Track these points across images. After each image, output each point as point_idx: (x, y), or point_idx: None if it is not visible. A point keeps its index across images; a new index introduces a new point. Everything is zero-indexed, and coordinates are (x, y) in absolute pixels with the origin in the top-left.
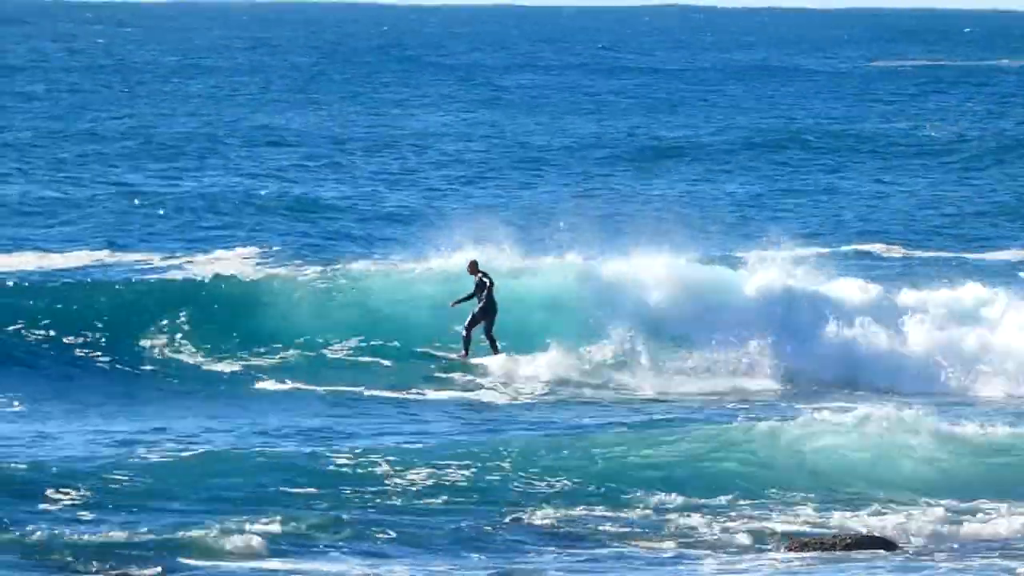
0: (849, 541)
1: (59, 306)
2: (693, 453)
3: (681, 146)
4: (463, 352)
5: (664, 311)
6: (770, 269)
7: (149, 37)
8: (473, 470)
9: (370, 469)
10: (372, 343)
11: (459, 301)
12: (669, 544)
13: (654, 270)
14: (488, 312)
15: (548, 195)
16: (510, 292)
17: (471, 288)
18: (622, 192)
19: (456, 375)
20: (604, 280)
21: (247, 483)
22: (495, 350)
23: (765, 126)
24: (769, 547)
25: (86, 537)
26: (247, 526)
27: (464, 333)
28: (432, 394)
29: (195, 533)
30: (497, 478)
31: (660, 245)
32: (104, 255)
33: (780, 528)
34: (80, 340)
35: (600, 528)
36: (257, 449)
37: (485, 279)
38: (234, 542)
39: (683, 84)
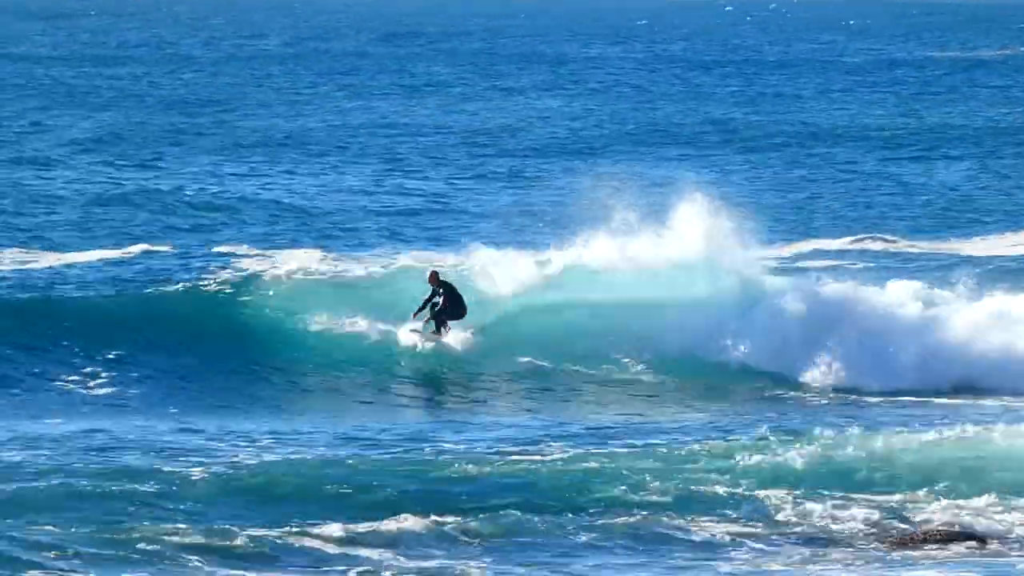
0: (940, 536)
1: (162, 303)
2: (806, 453)
3: (777, 135)
4: (438, 331)
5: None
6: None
7: (232, 27)
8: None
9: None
10: (490, 343)
11: (420, 310)
12: (760, 533)
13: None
14: (451, 315)
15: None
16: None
17: (458, 295)
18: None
19: (606, 374)
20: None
21: (350, 484)
22: (438, 331)
23: (862, 117)
24: (861, 541)
25: (187, 530)
26: (347, 526)
27: (436, 327)
28: (577, 387)
29: (299, 530)
30: (593, 480)
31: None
32: (206, 249)
33: (878, 523)
34: (188, 339)
35: (698, 522)
36: (361, 451)
37: (438, 295)
38: (331, 541)
39: (778, 76)
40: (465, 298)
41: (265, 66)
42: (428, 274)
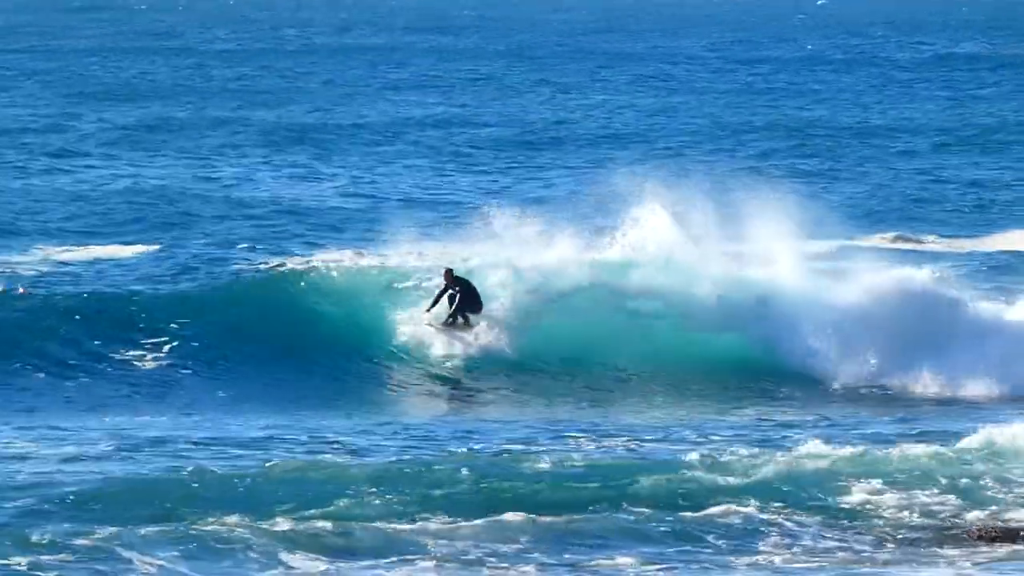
0: (995, 534)
1: (218, 295)
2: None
3: (826, 130)
4: (453, 322)
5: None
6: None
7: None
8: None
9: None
10: (542, 331)
11: (432, 306)
12: (809, 527)
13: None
14: (469, 311)
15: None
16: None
17: (474, 291)
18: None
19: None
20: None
21: (407, 478)
22: (454, 321)
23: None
24: (954, 537)
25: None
26: (401, 521)
27: (451, 321)
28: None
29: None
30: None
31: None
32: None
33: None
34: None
35: (760, 515)
36: (414, 444)
37: (454, 290)
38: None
39: (829, 72)
40: (481, 294)
41: (313, 59)
42: (443, 272)
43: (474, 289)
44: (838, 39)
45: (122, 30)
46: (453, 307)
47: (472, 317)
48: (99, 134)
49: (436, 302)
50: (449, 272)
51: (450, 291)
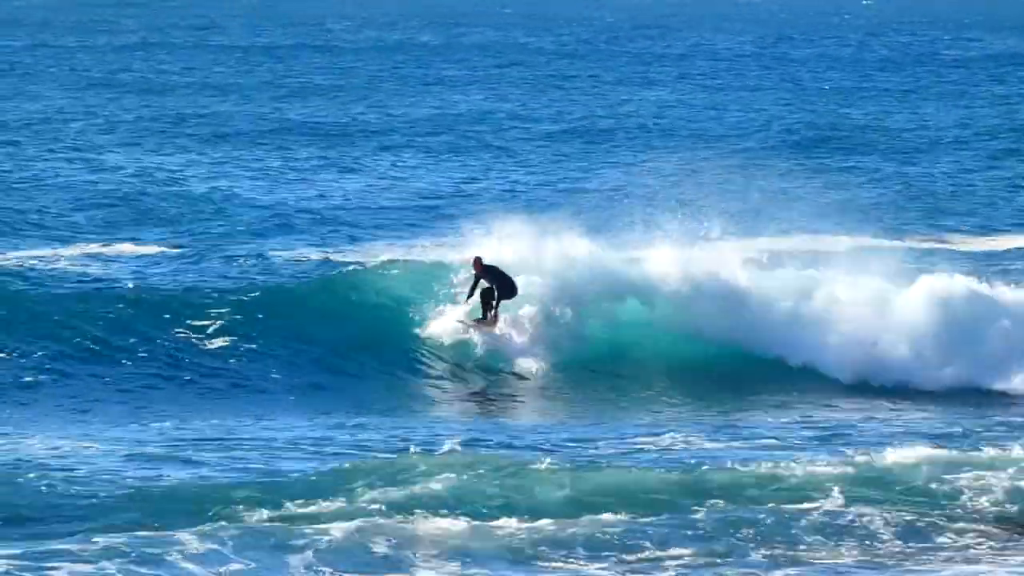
0: None
1: (272, 294)
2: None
3: (874, 132)
4: (491, 319)
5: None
6: None
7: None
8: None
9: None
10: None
11: (470, 296)
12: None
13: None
14: (504, 297)
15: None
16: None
17: (506, 277)
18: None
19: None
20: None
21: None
22: (486, 316)
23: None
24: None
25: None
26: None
27: (492, 313)
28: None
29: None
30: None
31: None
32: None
33: None
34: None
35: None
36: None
37: (489, 282)
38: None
39: (877, 72)
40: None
41: (358, 54)
42: (472, 261)
43: (506, 276)
44: (884, 37)
45: (162, 24)
46: (495, 303)
47: (506, 303)
48: (141, 128)
49: (472, 292)
50: (478, 260)
51: (484, 284)
